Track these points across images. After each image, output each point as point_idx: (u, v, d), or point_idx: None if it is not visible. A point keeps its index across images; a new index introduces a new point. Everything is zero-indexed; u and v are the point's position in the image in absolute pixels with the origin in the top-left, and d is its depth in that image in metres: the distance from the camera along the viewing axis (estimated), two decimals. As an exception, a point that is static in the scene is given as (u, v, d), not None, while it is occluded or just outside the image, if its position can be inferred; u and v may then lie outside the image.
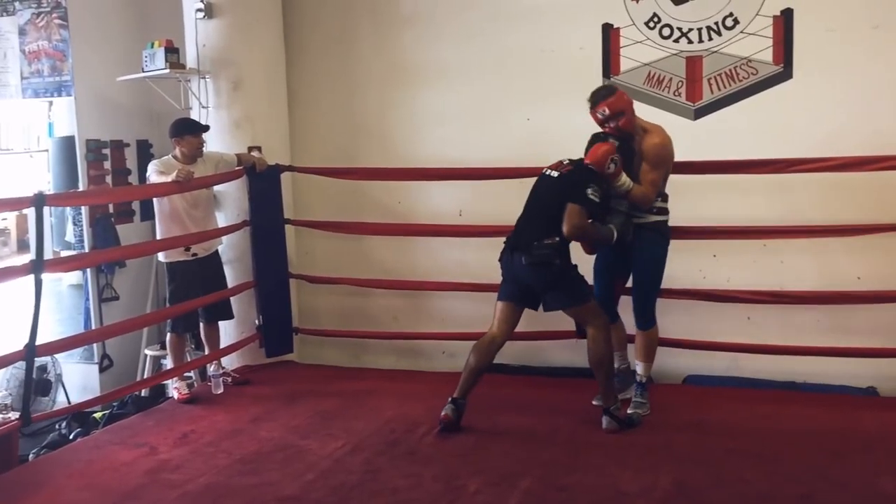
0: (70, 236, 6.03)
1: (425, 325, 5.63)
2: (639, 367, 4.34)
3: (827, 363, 4.72)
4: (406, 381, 5.21)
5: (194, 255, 4.98)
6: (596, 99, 4.17)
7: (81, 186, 5.88)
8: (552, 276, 4.07)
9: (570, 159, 4.20)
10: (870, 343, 4.58)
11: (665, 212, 4.26)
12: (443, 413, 4.18)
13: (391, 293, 5.72)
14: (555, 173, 4.17)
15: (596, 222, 4.12)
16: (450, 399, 4.21)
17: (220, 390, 5.00)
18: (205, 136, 5.04)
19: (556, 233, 4.03)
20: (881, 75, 4.68)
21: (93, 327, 5.87)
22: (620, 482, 3.50)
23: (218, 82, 5.45)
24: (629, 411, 4.21)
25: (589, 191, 4.00)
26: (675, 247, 4.75)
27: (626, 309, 4.43)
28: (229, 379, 5.14)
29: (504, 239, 4.28)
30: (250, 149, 5.37)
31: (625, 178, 4.07)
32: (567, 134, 5.10)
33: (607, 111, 4.10)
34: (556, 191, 4.11)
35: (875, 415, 4.25)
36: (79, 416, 5.16)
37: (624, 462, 3.72)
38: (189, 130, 4.95)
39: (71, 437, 5.00)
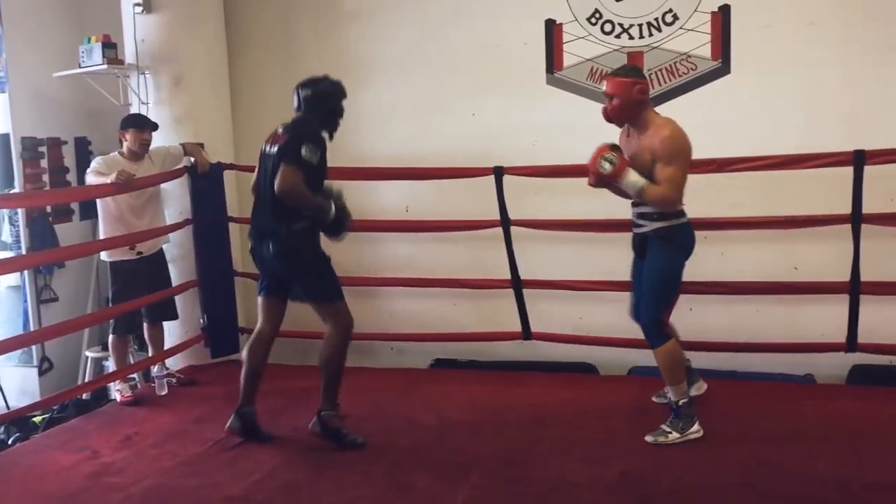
0: (6, 236, 5.87)
1: (372, 323, 5.61)
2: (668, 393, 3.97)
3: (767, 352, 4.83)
4: (354, 378, 5.13)
5: (139, 253, 4.89)
6: (610, 72, 4.00)
7: (17, 185, 5.74)
8: (300, 266, 3.84)
9: (283, 125, 3.87)
10: (806, 329, 4.70)
11: (669, 216, 3.82)
12: (226, 427, 4.05)
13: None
14: (273, 148, 3.79)
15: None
16: (234, 411, 4.05)
17: (165, 391, 4.92)
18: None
19: (302, 216, 3.78)
20: (817, 70, 4.78)
21: (31, 329, 5.73)
22: (568, 473, 3.55)
23: (158, 78, 5.36)
24: (649, 438, 3.85)
25: (303, 150, 3.64)
26: (619, 241, 4.83)
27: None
28: (174, 380, 5.06)
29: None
30: (185, 146, 5.27)
31: (633, 177, 3.70)
32: (512, 128, 5.22)
33: (604, 88, 3.86)
34: (277, 165, 3.72)
35: (812, 402, 4.36)
36: (18, 420, 5.02)
37: (571, 453, 3.76)
38: (133, 125, 4.87)
39: (10, 441, 4.87)
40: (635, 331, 4.79)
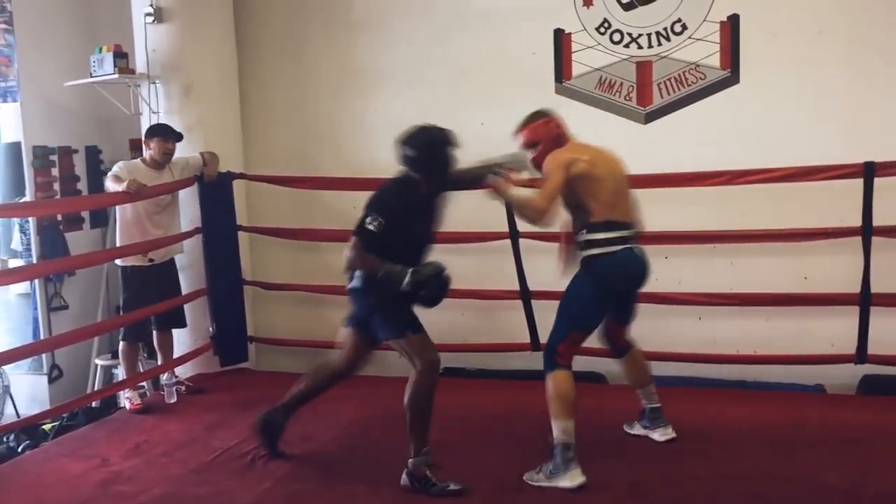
0: (17, 244, 5.90)
1: (382, 331, 5.63)
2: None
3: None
4: (363, 387, 5.15)
5: (151, 260, 4.93)
6: (518, 126, 3.81)
7: (28, 194, 5.78)
8: (372, 302, 3.70)
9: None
10: (816, 341, 4.68)
11: (594, 244, 3.57)
12: (256, 417, 4.00)
13: (347, 299, 5.69)
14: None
15: (376, 257, 3.55)
16: (270, 408, 3.97)
17: (174, 399, 4.94)
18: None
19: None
20: (826, 79, 4.78)
21: (41, 337, 5.76)
22: (575, 483, 3.54)
23: (168, 87, 5.39)
24: (525, 476, 3.55)
25: (367, 219, 3.54)
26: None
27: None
28: (183, 388, 5.08)
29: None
30: (202, 155, 5.31)
31: (511, 192, 3.62)
32: (521, 138, 5.19)
33: (521, 141, 3.75)
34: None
35: (821, 412, 4.34)
36: (27, 427, 5.04)
37: (579, 463, 3.74)
38: (156, 133, 4.95)
39: (19, 449, 4.89)
40: (642, 341, 4.81)
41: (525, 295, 5.00)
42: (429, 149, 3.65)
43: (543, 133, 3.71)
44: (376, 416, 4.49)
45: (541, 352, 4.96)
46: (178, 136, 4.98)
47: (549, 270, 4.99)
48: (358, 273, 3.71)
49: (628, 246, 3.61)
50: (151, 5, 5.26)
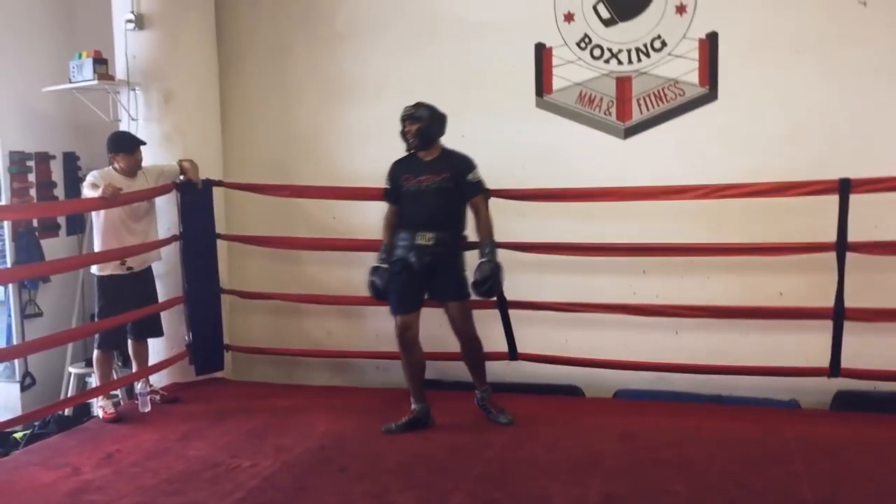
0: (-10, 251, 5.85)
1: (358, 341, 5.61)
2: None
3: (751, 377, 4.84)
4: (338, 397, 5.18)
5: (129, 268, 4.88)
6: None
7: (4, 199, 5.72)
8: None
9: None
10: (791, 355, 4.71)
11: None
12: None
13: (325, 309, 5.69)
14: None
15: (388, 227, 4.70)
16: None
17: (148, 408, 4.89)
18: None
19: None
20: (802, 97, 4.84)
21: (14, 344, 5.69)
22: (550, 494, 3.53)
23: (148, 94, 5.37)
24: None
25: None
26: (606, 265, 4.86)
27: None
28: (157, 397, 5.03)
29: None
30: (181, 163, 5.29)
31: None
32: (502, 150, 5.22)
33: None
34: None
35: (795, 427, 4.37)
36: (-2, 436, 4.99)
37: (553, 475, 3.75)
38: (120, 150, 4.87)
39: (-11, 458, 4.82)
40: (620, 353, 4.83)
41: (502, 304, 4.98)
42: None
43: None
44: (349, 427, 4.47)
45: (518, 361, 5.03)
46: (142, 143, 4.96)
47: (527, 281, 5.02)
48: None
49: None
50: (132, 12, 5.24)
